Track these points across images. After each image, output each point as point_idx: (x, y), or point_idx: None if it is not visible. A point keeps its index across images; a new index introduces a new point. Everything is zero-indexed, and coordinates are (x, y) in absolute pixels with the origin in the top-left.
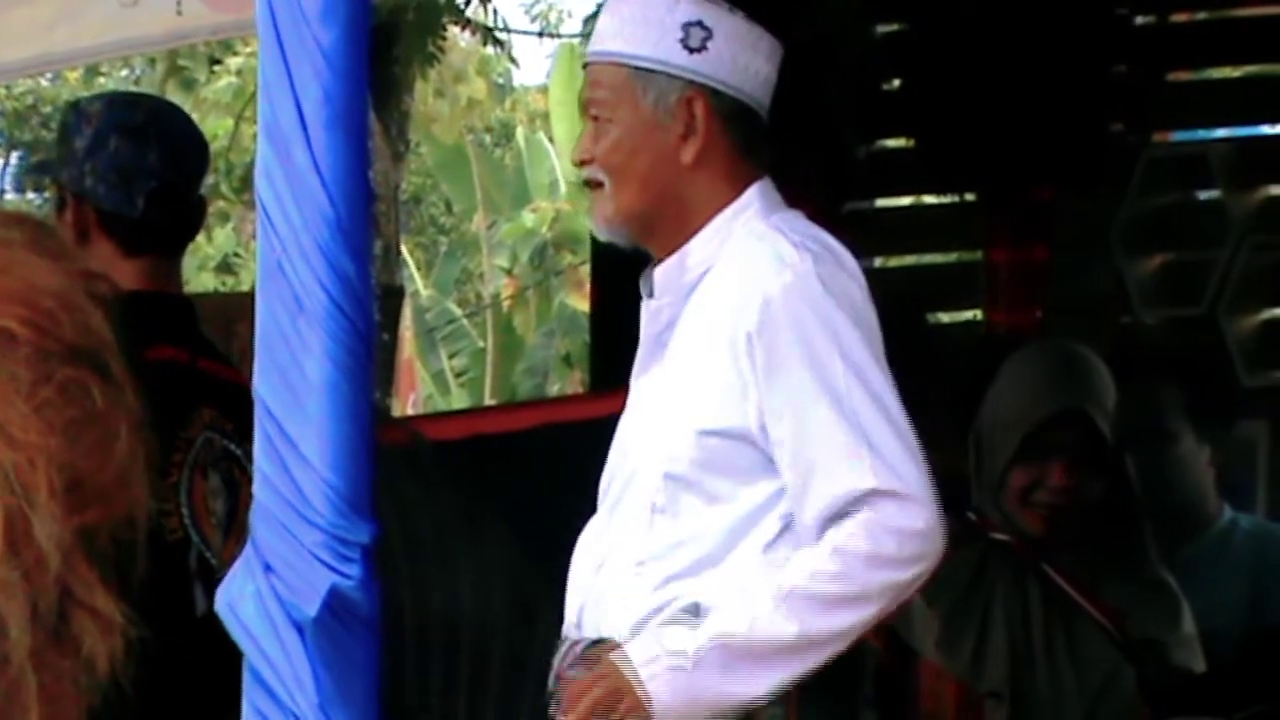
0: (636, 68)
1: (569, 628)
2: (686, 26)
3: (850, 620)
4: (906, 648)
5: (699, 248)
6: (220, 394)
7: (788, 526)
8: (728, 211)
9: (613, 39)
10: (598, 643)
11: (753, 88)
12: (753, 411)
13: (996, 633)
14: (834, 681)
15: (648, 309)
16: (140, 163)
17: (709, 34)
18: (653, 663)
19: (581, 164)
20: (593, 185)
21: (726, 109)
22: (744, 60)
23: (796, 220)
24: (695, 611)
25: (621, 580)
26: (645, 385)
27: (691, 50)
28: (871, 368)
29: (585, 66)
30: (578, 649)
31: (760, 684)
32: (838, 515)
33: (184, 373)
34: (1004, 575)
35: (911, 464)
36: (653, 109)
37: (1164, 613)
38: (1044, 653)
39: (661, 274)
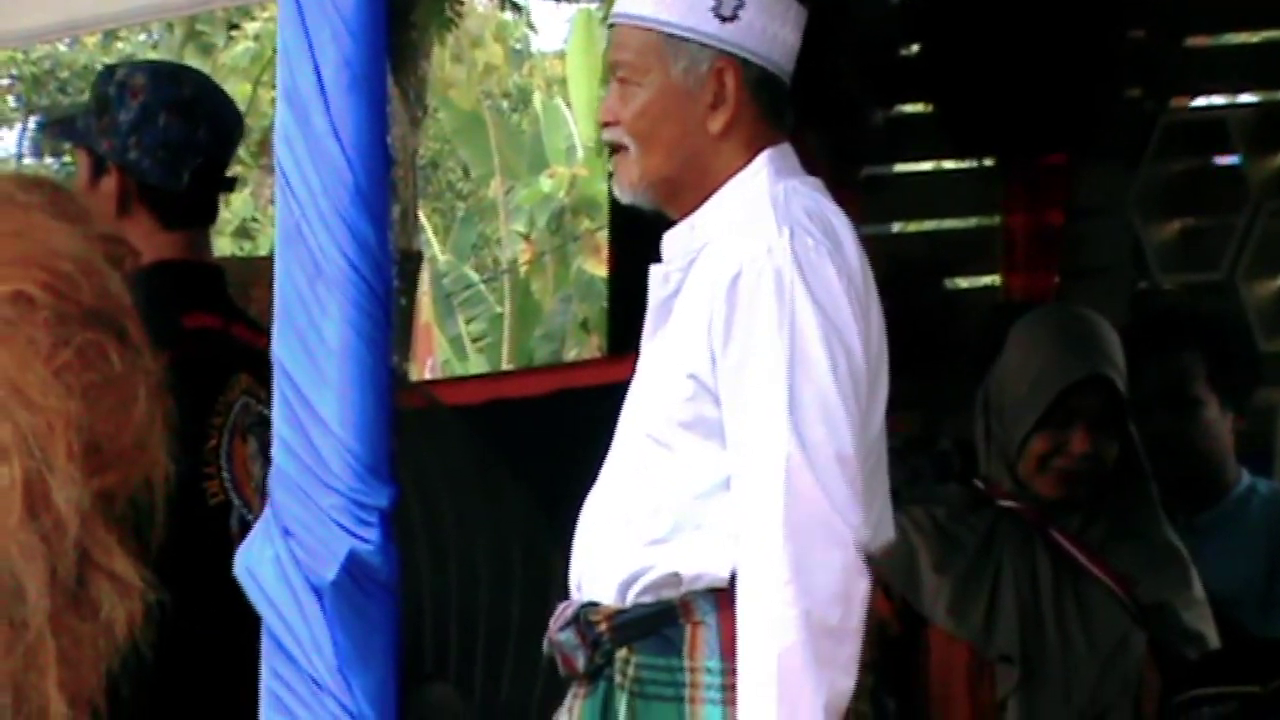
0: (668, 34)
1: (572, 589)
2: None
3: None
4: (916, 615)
5: (706, 214)
6: (253, 360)
7: None
8: (739, 178)
9: (643, 1)
10: (590, 605)
11: (780, 56)
12: (715, 382)
13: (1006, 598)
14: None
15: (656, 274)
16: (189, 139)
17: (741, 2)
18: None
19: (606, 125)
20: (616, 148)
21: (755, 79)
22: (773, 29)
23: (802, 189)
24: (677, 582)
25: (610, 541)
26: (650, 350)
27: (724, 19)
28: (820, 363)
29: (610, 26)
30: (569, 612)
31: (826, 679)
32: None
33: (220, 339)
34: (1012, 542)
35: (848, 501)
36: (683, 76)
37: (1173, 577)
38: (1054, 617)
39: (670, 240)
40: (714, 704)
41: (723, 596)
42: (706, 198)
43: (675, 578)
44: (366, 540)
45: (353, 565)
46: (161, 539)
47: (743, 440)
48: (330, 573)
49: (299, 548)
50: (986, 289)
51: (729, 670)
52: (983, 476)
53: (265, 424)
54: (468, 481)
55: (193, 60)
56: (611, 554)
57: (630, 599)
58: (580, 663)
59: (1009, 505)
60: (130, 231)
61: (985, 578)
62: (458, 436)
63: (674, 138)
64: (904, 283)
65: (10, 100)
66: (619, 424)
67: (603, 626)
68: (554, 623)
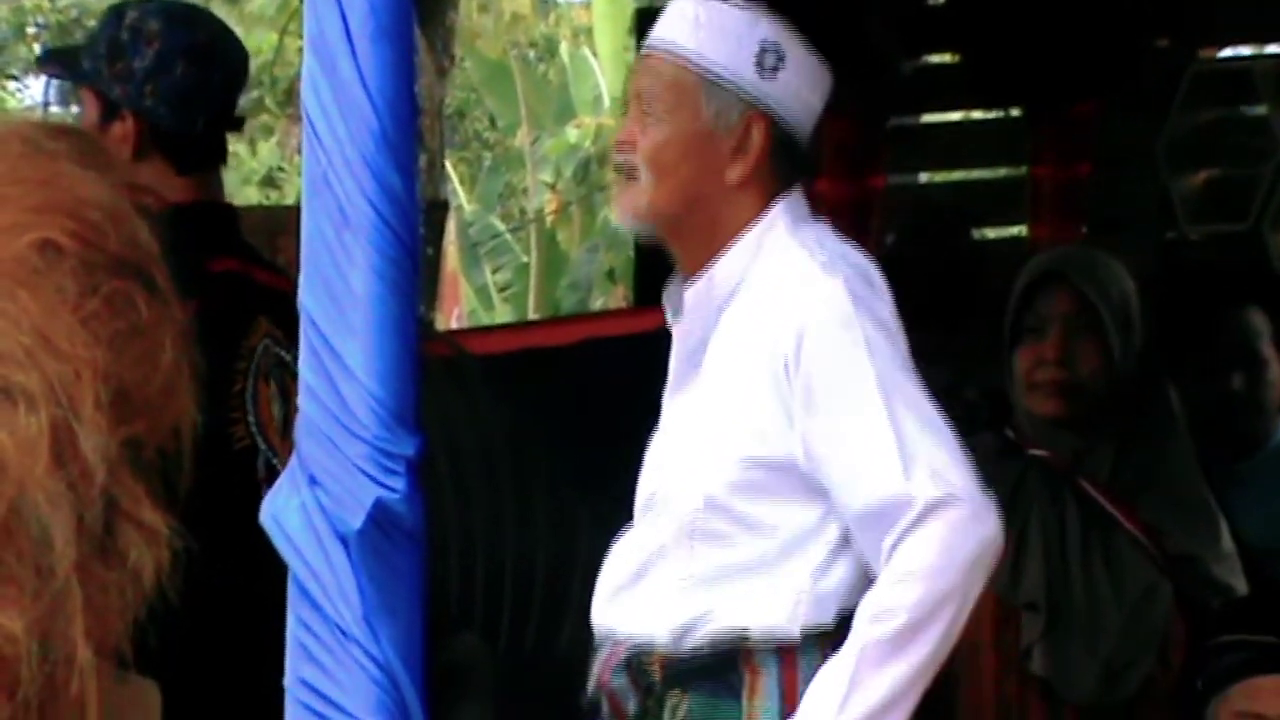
0: (707, 76)
1: (602, 632)
2: (764, 47)
3: (912, 661)
4: None
5: (726, 265)
6: (272, 302)
7: (836, 553)
8: (756, 229)
9: (686, 36)
10: (641, 650)
11: (805, 119)
12: (796, 439)
13: (1033, 546)
14: None
15: (678, 330)
16: (205, 85)
17: (782, 60)
18: None
19: (620, 148)
20: (625, 172)
21: (781, 137)
22: (805, 94)
23: (824, 236)
24: (743, 636)
25: (663, 594)
26: (680, 405)
27: (764, 71)
28: (906, 382)
29: (643, 53)
30: (620, 652)
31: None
32: (889, 536)
33: (242, 282)
34: (1041, 491)
35: (957, 469)
36: (713, 120)
37: (1203, 530)
38: (1080, 566)
39: (692, 295)
40: None
41: (786, 652)
42: (712, 244)
43: (742, 633)
44: (393, 489)
45: (379, 514)
46: (189, 487)
47: (861, 471)
48: (357, 521)
49: (325, 496)
50: (1014, 239)
51: (787, 709)
52: (1014, 426)
53: (284, 366)
54: (494, 431)
55: (219, 9)
56: (664, 603)
57: (686, 644)
58: (631, 708)
59: (1039, 454)
60: (145, 176)
61: (1012, 527)
62: (484, 386)
63: (690, 178)
64: (931, 233)
65: (37, 48)
66: (649, 477)
67: (656, 672)
68: (600, 667)
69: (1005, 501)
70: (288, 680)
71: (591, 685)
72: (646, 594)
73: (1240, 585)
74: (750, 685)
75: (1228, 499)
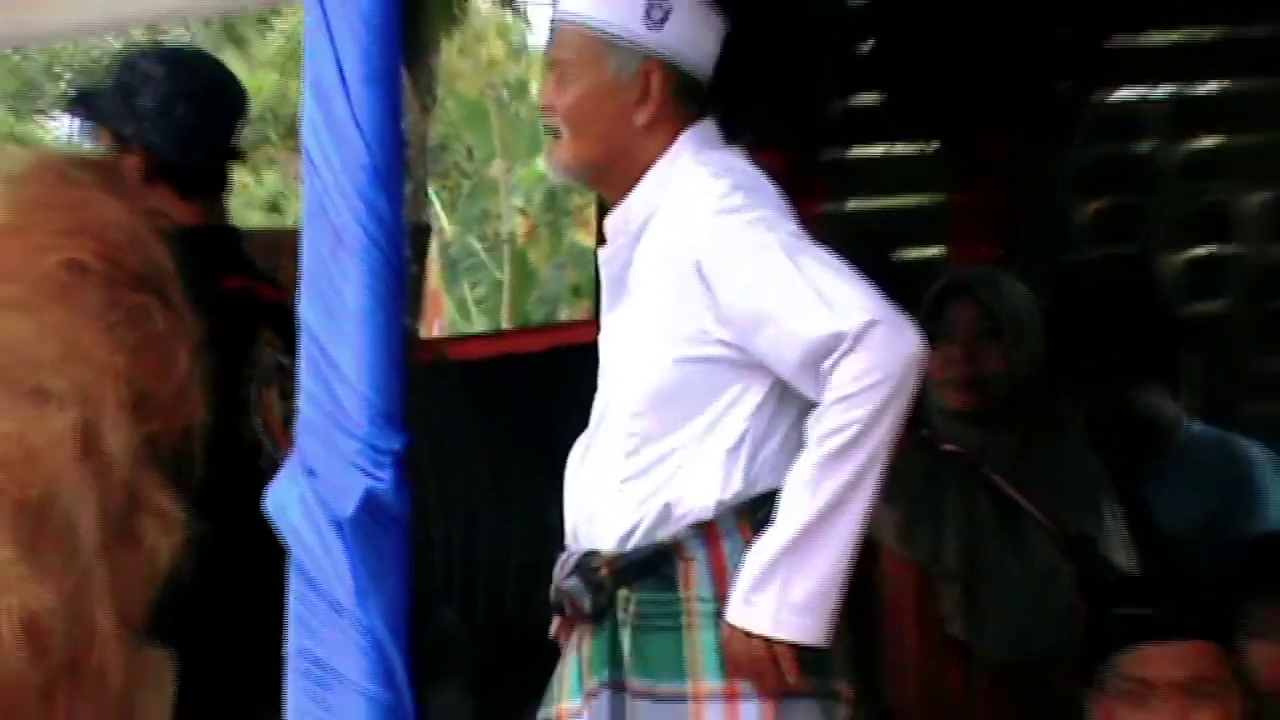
0: (603, 36)
1: (568, 540)
2: (650, 3)
3: (859, 462)
4: (870, 540)
5: (639, 195)
6: (273, 314)
7: (750, 424)
8: (663, 160)
9: (582, 4)
10: (590, 554)
11: (701, 60)
12: (714, 322)
13: (949, 526)
14: None
15: (604, 255)
16: (202, 123)
17: (669, 9)
18: (779, 621)
19: (544, 111)
20: (552, 132)
21: (678, 81)
22: (698, 38)
23: (722, 155)
24: (667, 517)
25: (608, 497)
26: (614, 321)
27: (653, 24)
28: (804, 242)
29: (552, 25)
30: (571, 561)
31: (835, 556)
32: (824, 366)
33: (248, 298)
34: (954, 479)
35: (866, 295)
36: (614, 75)
37: (1093, 514)
38: (991, 543)
39: (610, 224)
40: (708, 629)
41: (710, 531)
42: (634, 181)
43: (666, 511)
44: (381, 480)
45: (369, 503)
46: (200, 479)
47: (786, 321)
48: (349, 509)
49: (321, 487)
50: (932, 260)
51: (719, 598)
52: (928, 425)
53: (284, 371)
54: (472, 428)
55: (228, 54)
56: (609, 507)
57: (630, 544)
58: (587, 605)
59: (950, 449)
60: (152, 201)
61: (929, 507)
62: (463, 388)
63: (603, 128)
64: (860, 254)
65: (65, 87)
66: (599, 390)
67: (604, 571)
68: (559, 572)
69: (920, 486)
70: (288, 649)
71: (552, 589)
72: (591, 500)
73: (1127, 563)
74: (685, 576)
75: (1146, 491)
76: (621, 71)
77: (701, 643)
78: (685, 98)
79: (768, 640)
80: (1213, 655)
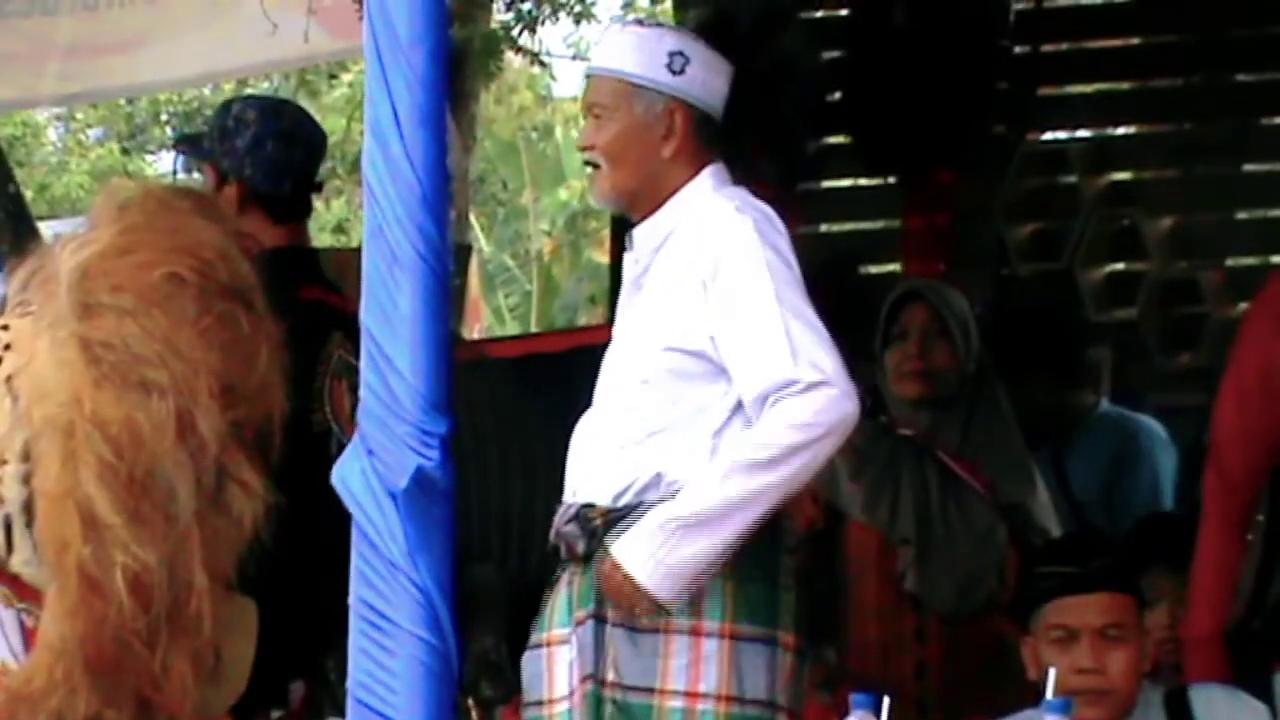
0: (633, 83)
1: (567, 495)
2: (671, 54)
3: (768, 480)
4: (838, 512)
5: (666, 215)
6: (343, 320)
7: (734, 414)
8: (689, 187)
9: (614, 59)
10: (588, 505)
11: (715, 102)
12: (706, 330)
13: (905, 498)
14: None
15: (629, 260)
16: (289, 158)
17: (687, 60)
18: (650, 572)
19: (584, 149)
20: (593, 165)
21: (697, 118)
22: (712, 83)
23: (740, 192)
24: (658, 483)
25: (606, 458)
26: (627, 315)
27: (674, 73)
28: (795, 294)
29: (588, 76)
30: (571, 511)
31: (715, 543)
32: (773, 398)
33: (322, 306)
34: (908, 459)
35: (830, 359)
36: (643, 115)
37: (1025, 483)
38: (940, 512)
39: (639, 234)
40: None
41: None
42: (660, 204)
43: (657, 479)
44: (430, 458)
45: (420, 477)
46: (279, 457)
47: (754, 357)
48: (403, 482)
49: (379, 464)
50: (890, 274)
51: None
52: (886, 413)
53: (352, 369)
54: (506, 415)
55: (303, 100)
56: (606, 467)
57: (622, 501)
58: (580, 548)
59: (905, 433)
60: (248, 226)
61: (888, 484)
62: (498, 381)
63: (636, 160)
64: (830, 269)
65: (168, 130)
66: (604, 370)
67: (598, 521)
68: (559, 519)
69: (881, 465)
70: (351, 600)
71: (552, 533)
72: (592, 461)
73: (1054, 527)
74: None
75: (1064, 462)
76: (649, 112)
77: None
78: (704, 133)
79: (634, 582)
80: (1123, 603)
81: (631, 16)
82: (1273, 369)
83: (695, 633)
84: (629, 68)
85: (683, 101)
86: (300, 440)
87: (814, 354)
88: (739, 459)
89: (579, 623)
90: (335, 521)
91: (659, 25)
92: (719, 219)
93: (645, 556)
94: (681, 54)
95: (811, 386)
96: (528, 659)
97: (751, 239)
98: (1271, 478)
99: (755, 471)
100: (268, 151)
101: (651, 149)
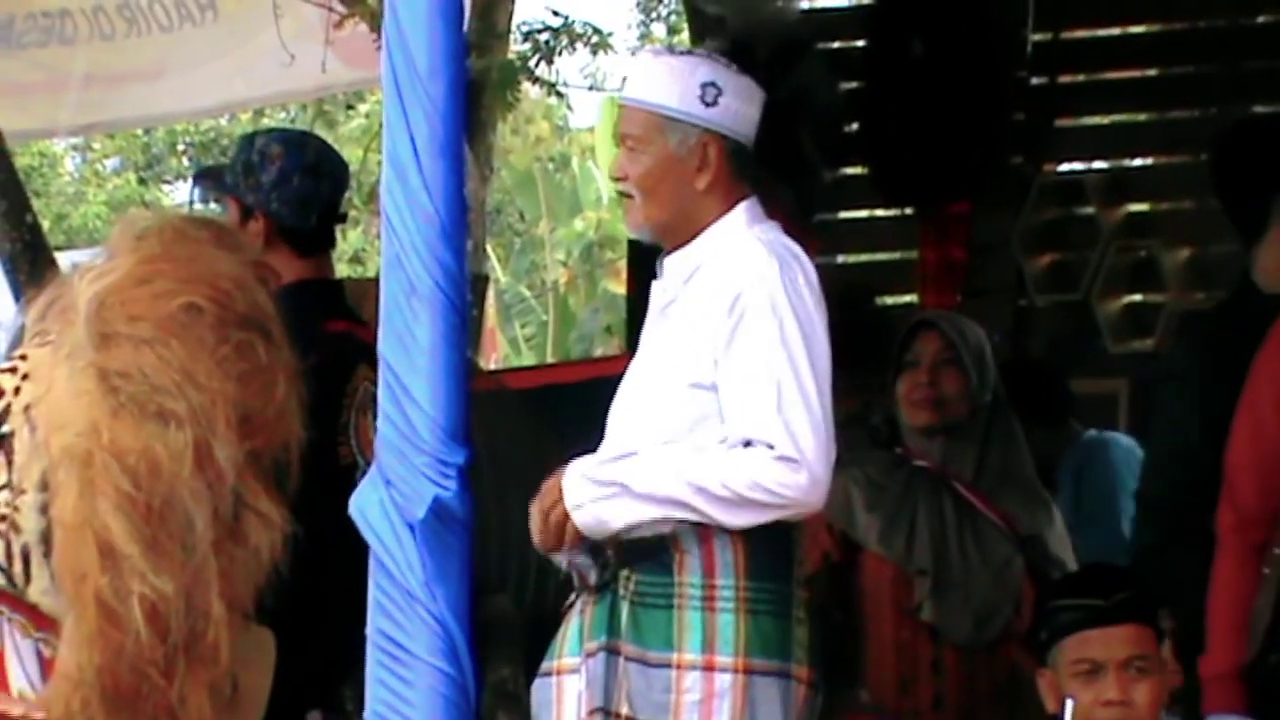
0: (666, 116)
1: None
2: (704, 86)
3: (713, 511)
4: (853, 544)
5: (698, 248)
6: (367, 353)
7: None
8: (723, 221)
9: (647, 90)
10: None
11: (749, 130)
12: (713, 369)
13: (921, 530)
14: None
15: (656, 288)
16: (315, 192)
17: (720, 92)
18: (582, 512)
19: (617, 180)
20: (626, 196)
21: (731, 149)
22: (745, 112)
23: (772, 230)
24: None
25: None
26: (650, 341)
27: (708, 105)
28: (803, 358)
29: (621, 106)
30: (584, 540)
31: (644, 517)
32: (751, 445)
33: (348, 339)
34: (925, 489)
35: (811, 436)
36: (676, 148)
37: (1042, 516)
38: (957, 543)
39: (670, 263)
40: (695, 610)
41: (704, 531)
42: (694, 235)
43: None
44: (447, 489)
45: (438, 507)
46: (296, 488)
47: (743, 414)
48: (420, 513)
49: (397, 494)
50: (907, 305)
51: (708, 585)
52: (903, 445)
53: (376, 400)
54: (524, 444)
55: (320, 131)
56: None
57: (634, 535)
58: (593, 579)
59: (921, 464)
60: (274, 260)
61: (905, 515)
62: (517, 410)
63: (669, 192)
64: (847, 300)
65: (185, 160)
66: (620, 395)
67: (611, 553)
68: (570, 550)
69: (897, 497)
70: (369, 630)
71: (565, 563)
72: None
73: (1070, 558)
74: (679, 564)
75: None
76: (683, 145)
77: (688, 621)
78: (738, 164)
79: (564, 510)
80: (1146, 635)
81: (661, 45)
82: None
83: (709, 668)
84: (662, 99)
85: (716, 134)
86: (326, 474)
87: (798, 425)
88: (699, 480)
89: (590, 654)
90: (359, 554)
91: (692, 54)
92: (748, 256)
93: (582, 493)
94: (714, 85)
95: (785, 459)
96: (537, 686)
97: (774, 284)
98: None
99: (708, 500)
100: (294, 186)
101: (685, 182)
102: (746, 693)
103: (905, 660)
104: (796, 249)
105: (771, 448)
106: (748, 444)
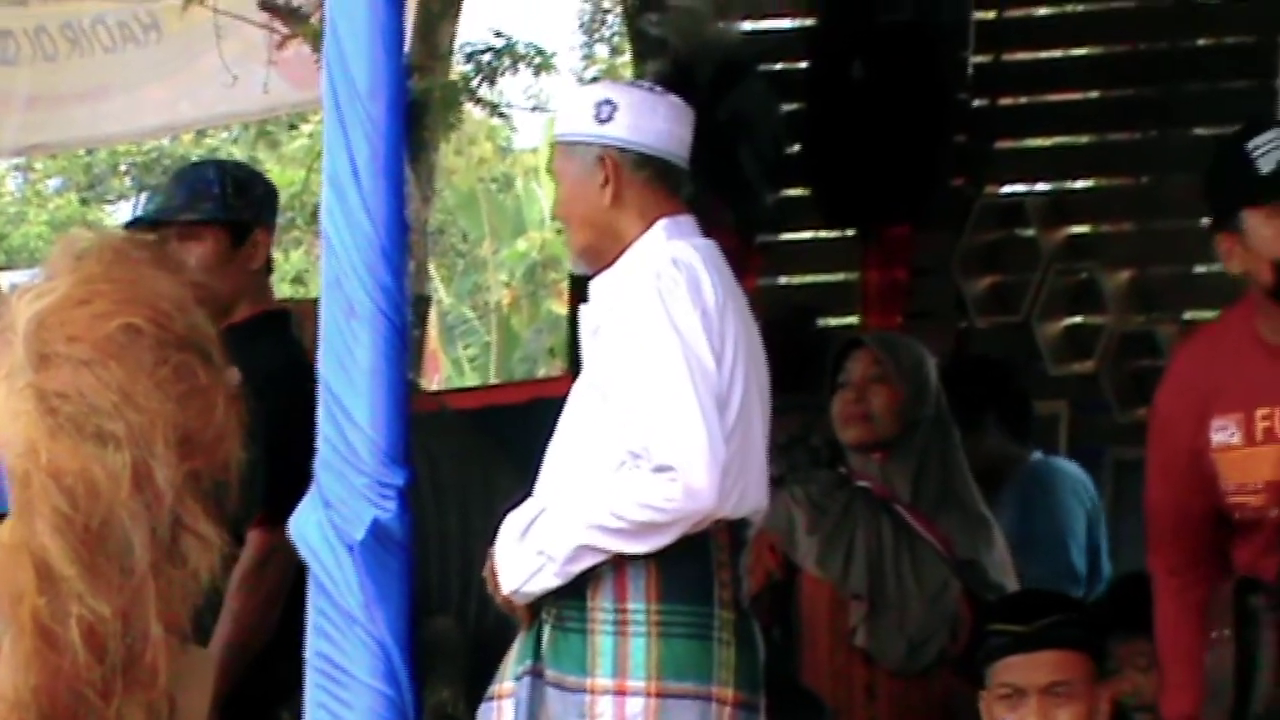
0: (568, 142)
1: None
2: (598, 105)
3: (623, 544)
4: (793, 565)
5: (620, 268)
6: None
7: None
8: (642, 240)
9: (559, 124)
10: None
11: (655, 140)
12: (610, 381)
13: (859, 552)
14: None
15: (585, 311)
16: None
17: (615, 108)
18: (511, 582)
19: (557, 218)
20: (563, 232)
21: (633, 160)
22: (644, 122)
23: (688, 245)
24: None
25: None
26: (587, 365)
27: (602, 121)
28: (681, 369)
29: (552, 148)
30: None
31: (562, 574)
32: (628, 465)
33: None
34: (865, 511)
35: (689, 446)
36: (579, 170)
37: (982, 540)
38: (893, 567)
39: (595, 287)
40: (607, 634)
41: (618, 556)
42: (619, 256)
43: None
44: (387, 510)
45: (377, 529)
46: (235, 509)
47: (638, 429)
48: (360, 534)
49: (337, 515)
50: (849, 327)
51: (620, 609)
52: (846, 465)
53: None
54: (466, 464)
55: (263, 152)
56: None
57: None
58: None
59: (863, 485)
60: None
61: (843, 537)
62: (459, 431)
63: (583, 214)
64: (788, 321)
65: (127, 180)
66: (561, 423)
67: None
68: None
69: (837, 519)
70: (308, 653)
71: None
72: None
73: (1011, 583)
74: (593, 587)
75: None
76: (584, 165)
77: (601, 645)
78: (651, 176)
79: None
80: (1071, 661)
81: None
82: (1200, 449)
83: (620, 692)
84: (565, 128)
85: (613, 147)
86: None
87: (673, 434)
88: (596, 519)
89: (518, 678)
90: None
91: (597, 82)
92: (637, 272)
93: (517, 581)
94: (609, 102)
95: (661, 469)
96: (482, 710)
97: (650, 294)
98: (1235, 590)
99: (609, 535)
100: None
101: (594, 201)
102: (659, 717)
103: (839, 684)
104: (695, 260)
105: (647, 459)
106: (636, 458)
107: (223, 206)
